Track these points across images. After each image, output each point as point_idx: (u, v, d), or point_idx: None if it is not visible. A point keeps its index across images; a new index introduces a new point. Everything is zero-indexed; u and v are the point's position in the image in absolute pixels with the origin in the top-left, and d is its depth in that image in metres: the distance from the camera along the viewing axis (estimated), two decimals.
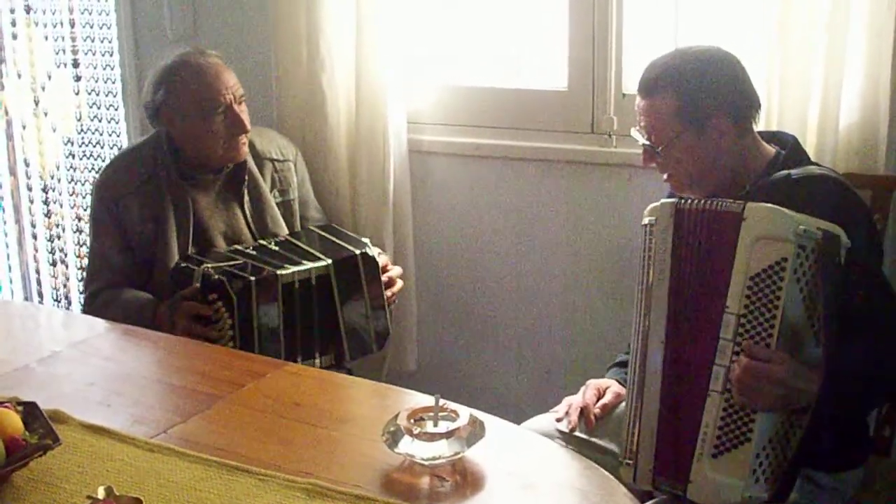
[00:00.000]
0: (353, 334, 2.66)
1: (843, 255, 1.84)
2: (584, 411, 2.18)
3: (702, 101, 2.08)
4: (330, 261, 2.61)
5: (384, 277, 2.70)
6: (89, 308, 2.72)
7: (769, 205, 1.85)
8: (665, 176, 2.19)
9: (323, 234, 2.81)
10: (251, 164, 2.81)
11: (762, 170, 2.12)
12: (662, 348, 1.95)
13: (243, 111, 2.72)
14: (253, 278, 2.48)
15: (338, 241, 2.73)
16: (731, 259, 1.85)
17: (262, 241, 2.72)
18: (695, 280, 1.92)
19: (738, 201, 1.89)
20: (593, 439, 2.17)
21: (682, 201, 1.97)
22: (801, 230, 1.80)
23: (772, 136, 2.22)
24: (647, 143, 2.16)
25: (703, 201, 1.96)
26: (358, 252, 2.64)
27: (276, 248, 2.67)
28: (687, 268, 1.93)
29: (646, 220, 2.00)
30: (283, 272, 2.53)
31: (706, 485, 1.87)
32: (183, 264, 2.60)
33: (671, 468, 1.93)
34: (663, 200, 2.00)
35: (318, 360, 2.62)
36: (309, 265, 2.58)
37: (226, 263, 2.55)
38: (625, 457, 2.00)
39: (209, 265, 2.52)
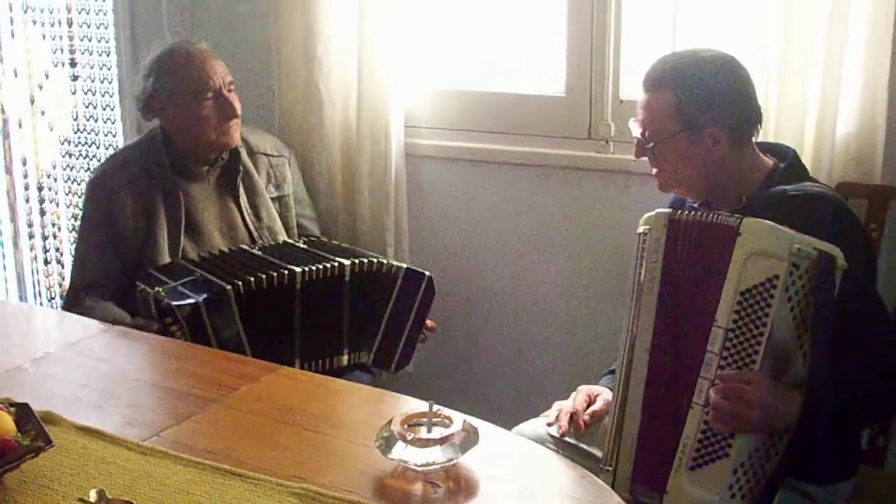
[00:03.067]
0: (386, 343, 2.66)
1: (839, 277, 1.81)
2: (573, 417, 2.18)
3: (702, 108, 2.07)
4: (405, 266, 2.63)
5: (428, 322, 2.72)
6: (70, 307, 2.73)
7: (766, 221, 1.84)
8: (654, 171, 2.20)
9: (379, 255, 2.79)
10: (245, 158, 2.83)
11: (759, 182, 2.12)
12: (647, 357, 1.95)
13: (233, 97, 2.75)
14: (201, 298, 2.44)
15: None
16: (723, 272, 1.83)
17: (287, 240, 2.75)
18: (685, 291, 1.92)
19: (736, 215, 1.88)
20: (582, 445, 2.17)
21: (677, 212, 1.96)
22: (795, 248, 1.78)
23: (769, 148, 2.21)
24: (641, 136, 2.17)
25: (698, 213, 1.95)
26: (428, 274, 2.64)
27: (305, 246, 2.67)
28: (678, 278, 1.93)
29: (640, 229, 2.00)
30: (237, 282, 2.47)
31: (682, 496, 1.86)
32: (141, 288, 2.58)
33: (649, 477, 1.92)
34: (658, 210, 1.99)
35: (345, 358, 2.63)
36: (332, 261, 2.56)
37: (179, 282, 2.52)
38: (605, 462, 2.00)
39: (160, 289, 2.50)
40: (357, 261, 2.58)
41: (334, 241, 2.82)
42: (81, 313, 2.62)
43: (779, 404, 1.79)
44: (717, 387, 1.80)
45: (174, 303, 2.45)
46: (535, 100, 3.01)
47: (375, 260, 2.61)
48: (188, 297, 2.46)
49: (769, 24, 2.47)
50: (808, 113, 2.47)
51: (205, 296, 2.45)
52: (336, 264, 2.55)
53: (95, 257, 2.75)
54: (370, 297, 2.63)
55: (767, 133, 2.47)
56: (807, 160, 2.47)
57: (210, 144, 2.74)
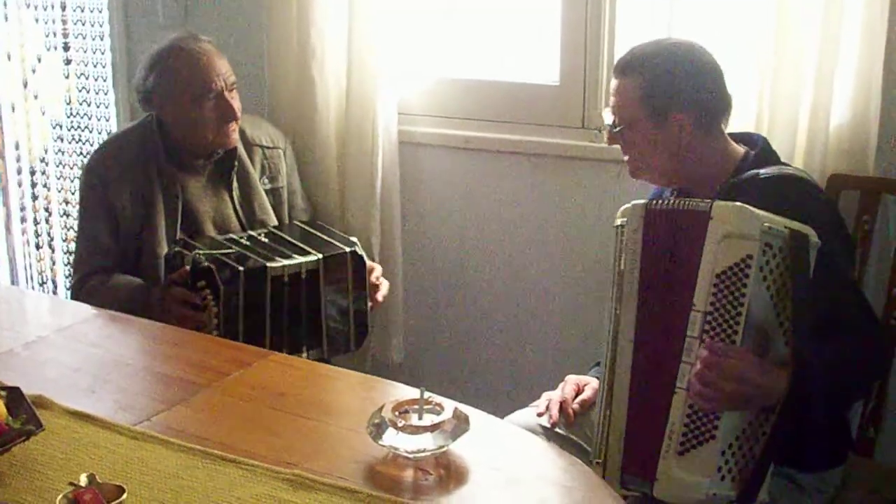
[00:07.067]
0: (333, 331, 2.65)
1: (812, 255, 1.83)
2: (562, 406, 2.19)
3: (665, 93, 2.11)
4: (320, 256, 2.59)
5: (373, 279, 2.70)
6: (77, 294, 2.71)
7: (736, 203, 1.86)
8: (625, 157, 2.22)
9: (310, 229, 2.79)
10: (241, 150, 2.80)
11: (731, 170, 2.14)
12: (631, 347, 1.95)
13: (234, 98, 2.72)
14: (241, 268, 2.47)
15: (326, 237, 2.72)
16: (698, 257, 1.85)
17: (252, 232, 2.71)
18: (665, 280, 1.92)
19: (707, 200, 1.90)
20: (572, 436, 2.17)
21: (653, 202, 1.97)
22: (766, 227, 1.80)
23: (740, 137, 2.23)
24: (610, 123, 2.20)
25: (672, 201, 1.97)
26: (348, 250, 2.63)
27: (267, 241, 2.66)
28: (656, 268, 1.93)
29: (618, 222, 2.00)
30: (273, 265, 2.51)
31: (672, 482, 1.86)
32: (177, 249, 2.59)
33: (638, 466, 1.92)
34: (634, 202, 2.00)
35: (305, 354, 2.61)
36: (300, 259, 2.56)
37: (217, 251, 2.53)
38: (594, 456, 2.00)
39: (200, 252, 2.51)
40: (314, 258, 2.58)
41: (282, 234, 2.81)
42: (91, 294, 2.62)
43: (763, 380, 1.79)
44: (699, 355, 1.81)
45: (214, 265, 2.46)
46: (528, 88, 3.00)
47: (303, 260, 2.59)
48: (228, 265, 2.47)
49: (764, 16, 2.47)
50: (802, 105, 2.47)
51: (244, 266, 2.47)
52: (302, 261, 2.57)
53: (101, 244, 2.72)
54: (308, 299, 2.62)
55: (761, 126, 2.48)
56: (800, 152, 2.48)
57: (207, 144, 2.72)
